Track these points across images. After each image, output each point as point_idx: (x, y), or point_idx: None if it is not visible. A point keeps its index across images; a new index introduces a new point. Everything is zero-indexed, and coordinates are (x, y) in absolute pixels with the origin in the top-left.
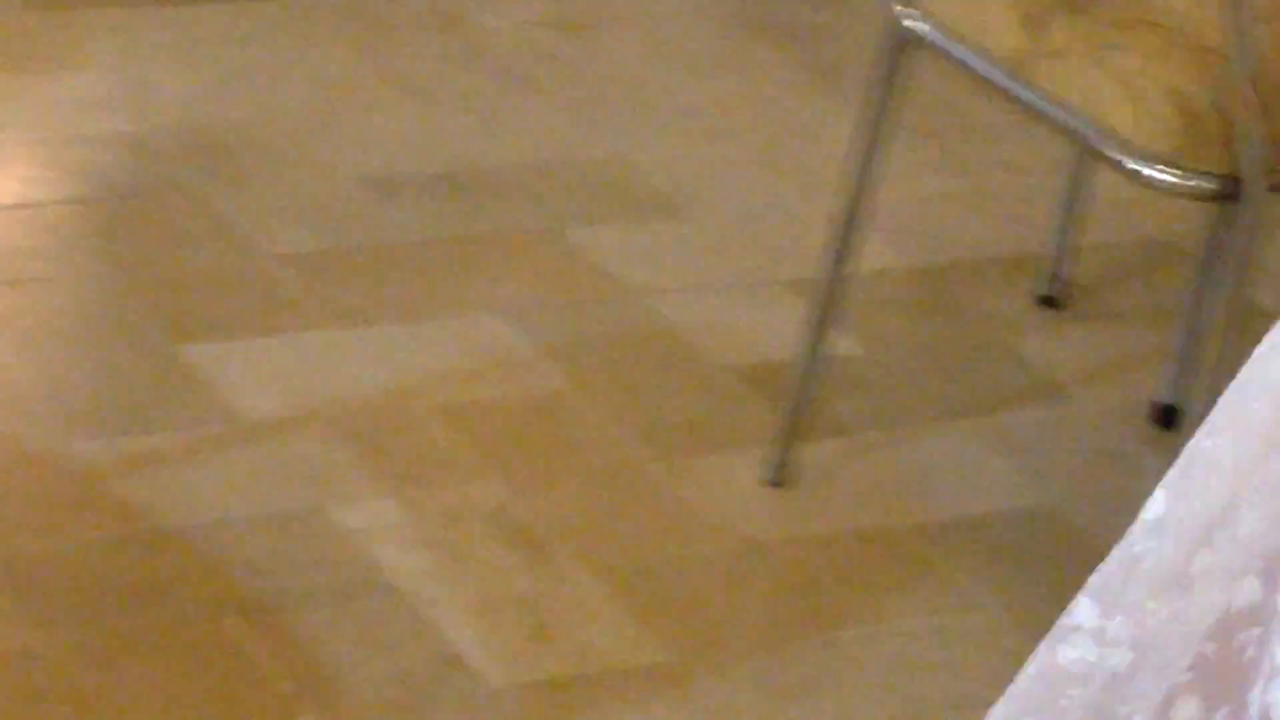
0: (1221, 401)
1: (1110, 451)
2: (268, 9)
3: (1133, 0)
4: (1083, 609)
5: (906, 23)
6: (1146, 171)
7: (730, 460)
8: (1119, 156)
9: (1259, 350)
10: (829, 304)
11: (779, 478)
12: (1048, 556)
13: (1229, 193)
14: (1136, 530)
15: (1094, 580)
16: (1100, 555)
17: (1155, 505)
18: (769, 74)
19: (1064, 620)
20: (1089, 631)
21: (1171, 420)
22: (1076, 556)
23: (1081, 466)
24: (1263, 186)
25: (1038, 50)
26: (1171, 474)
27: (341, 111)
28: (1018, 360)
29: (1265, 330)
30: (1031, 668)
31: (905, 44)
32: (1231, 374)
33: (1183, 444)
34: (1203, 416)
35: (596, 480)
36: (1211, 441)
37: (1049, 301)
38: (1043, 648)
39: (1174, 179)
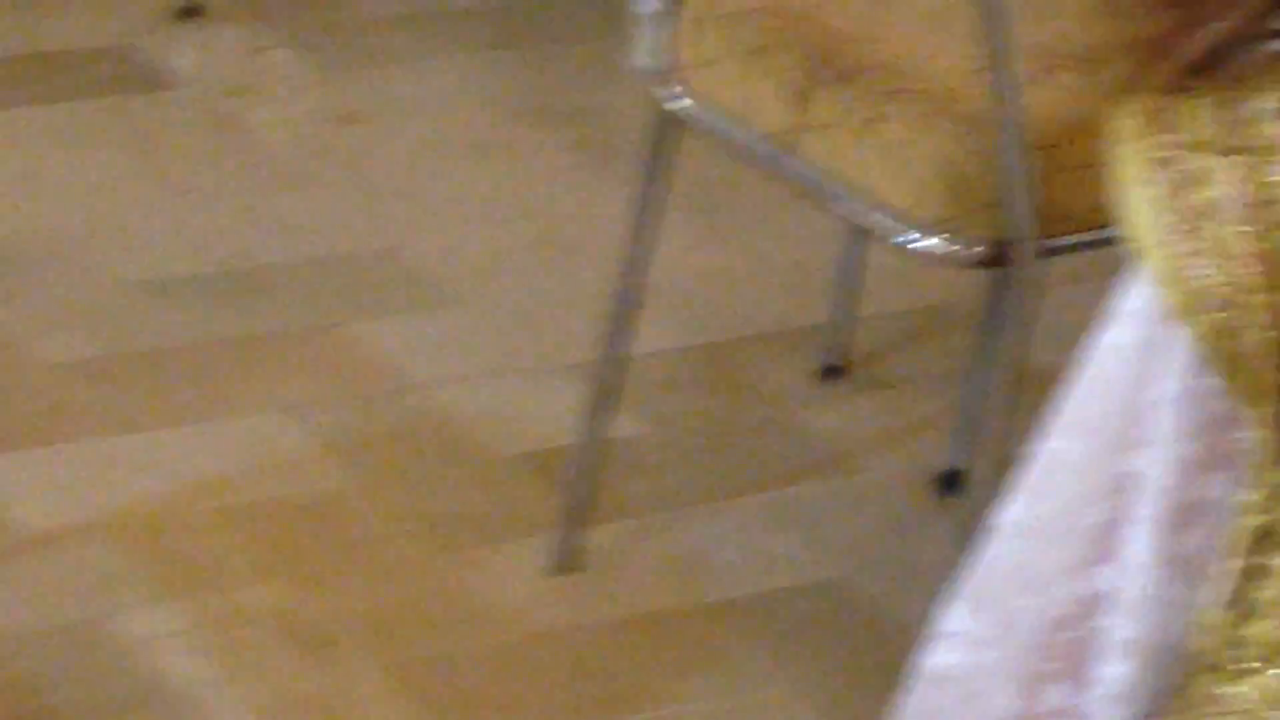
0: (1066, 403)
1: (896, 520)
2: (35, 114)
3: (897, 70)
4: (954, 614)
5: (669, 105)
6: (916, 242)
7: (516, 549)
8: (888, 228)
9: (1094, 352)
10: (608, 386)
11: (566, 564)
12: (838, 630)
13: (1000, 258)
14: (996, 534)
15: (963, 586)
16: (891, 625)
17: (1014, 508)
18: (545, 158)
19: (938, 628)
20: (960, 635)
21: (955, 485)
22: (866, 628)
23: (868, 537)
24: (1032, 251)
25: (804, 124)
26: (1026, 477)
27: (114, 215)
28: (801, 434)
29: (1048, 390)
30: (912, 683)
31: (671, 124)
32: (1014, 437)
33: (966, 509)
34: (988, 482)
35: (383, 576)
36: (1058, 443)
37: (831, 373)
38: (921, 660)
39: (944, 248)
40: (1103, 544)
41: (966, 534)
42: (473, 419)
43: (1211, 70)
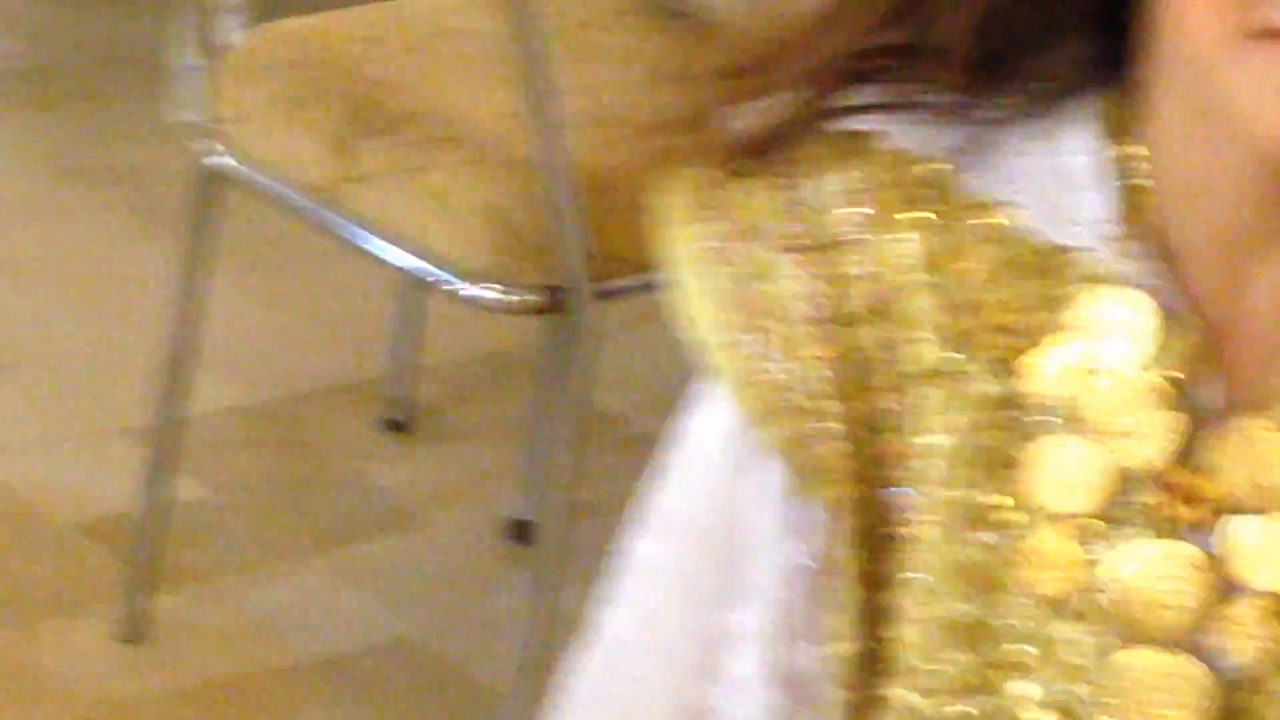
0: (657, 501)
1: (467, 573)
2: None
3: (441, 118)
4: None
5: (208, 160)
6: (466, 290)
7: (81, 620)
8: (437, 277)
9: (679, 446)
10: (167, 449)
11: (132, 633)
12: (412, 687)
13: (556, 304)
14: (595, 646)
15: (565, 703)
16: (466, 681)
17: (613, 618)
18: (92, 218)
19: None
20: None
21: (525, 535)
22: (440, 683)
23: (439, 592)
24: (586, 295)
25: (348, 175)
26: (622, 584)
27: None
28: (367, 489)
29: (615, 434)
30: None
31: (214, 180)
32: (581, 484)
33: (537, 557)
34: (557, 531)
35: None
36: (653, 547)
37: (395, 426)
38: None
39: (495, 295)
40: (710, 658)
41: (539, 584)
42: (31, 487)
43: (768, 149)
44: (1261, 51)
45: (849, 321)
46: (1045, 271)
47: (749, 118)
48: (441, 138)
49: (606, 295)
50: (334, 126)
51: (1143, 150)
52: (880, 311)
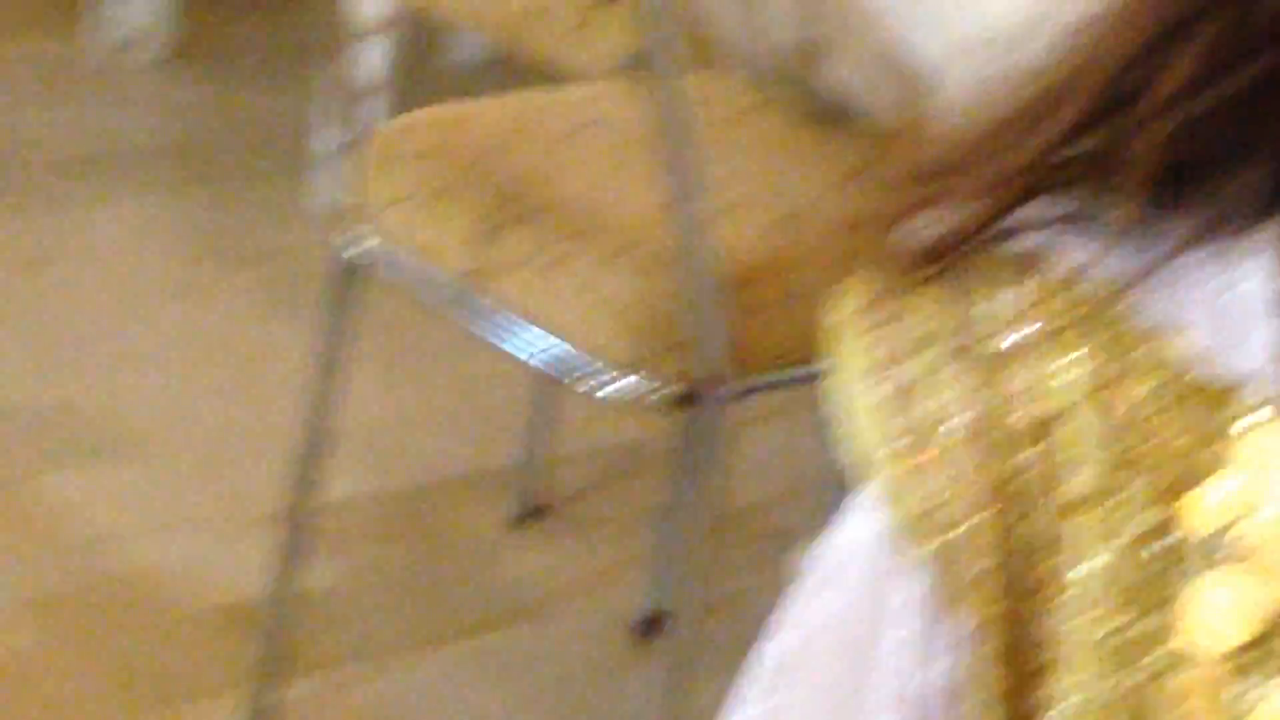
0: (798, 600)
1: (598, 666)
2: None
3: (583, 209)
4: None
5: (351, 248)
6: (605, 385)
7: (209, 707)
8: (579, 368)
9: (827, 548)
10: (298, 536)
11: None
12: None
13: (694, 398)
14: None
15: None
16: None
17: (748, 711)
18: (230, 301)
19: None
20: None
21: (656, 629)
22: None
23: (570, 685)
24: (726, 392)
25: (491, 264)
26: (758, 680)
27: None
28: (497, 581)
29: (750, 527)
30: None
31: (354, 265)
32: (715, 577)
33: (669, 652)
34: (690, 624)
35: None
36: (791, 642)
37: (527, 516)
38: None
39: (635, 390)
40: None
41: (671, 679)
42: (162, 572)
43: (942, 260)
44: None
45: (1011, 440)
46: (1214, 402)
47: (927, 226)
48: (585, 228)
49: (746, 391)
50: (478, 215)
51: None
52: (1043, 433)
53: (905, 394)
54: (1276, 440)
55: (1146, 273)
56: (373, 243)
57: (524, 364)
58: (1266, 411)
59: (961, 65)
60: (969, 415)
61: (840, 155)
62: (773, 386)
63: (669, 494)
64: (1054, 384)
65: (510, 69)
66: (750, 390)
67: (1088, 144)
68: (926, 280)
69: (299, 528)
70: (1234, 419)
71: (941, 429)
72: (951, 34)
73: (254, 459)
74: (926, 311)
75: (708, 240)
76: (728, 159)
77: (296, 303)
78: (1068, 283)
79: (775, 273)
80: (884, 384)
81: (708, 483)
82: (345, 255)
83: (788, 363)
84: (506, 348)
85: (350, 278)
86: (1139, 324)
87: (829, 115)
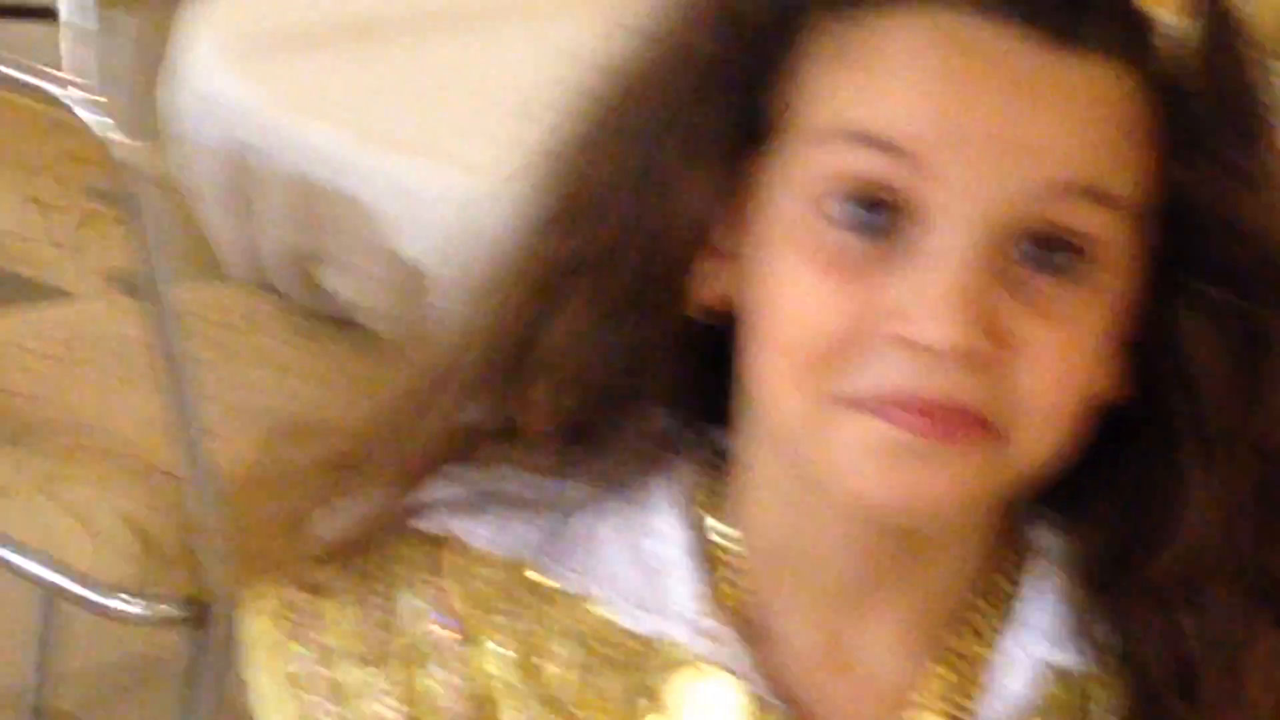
0: None
1: None
2: None
3: (78, 427)
4: None
5: None
6: (106, 604)
7: None
8: (76, 591)
9: None
10: None
11: None
12: None
13: (197, 616)
14: None
15: None
16: None
17: None
18: None
19: None
20: None
21: None
22: None
23: None
24: (230, 606)
25: None
26: None
27: None
28: None
29: None
30: None
31: None
32: None
33: None
34: None
35: None
36: None
37: None
38: None
39: (136, 610)
40: None
41: None
42: None
43: (355, 552)
44: (842, 419)
45: None
46: (634, 664)
47: (337, 518)
48: (80, 448)
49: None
50: None
51: (732, 531)
52: (483, 711)
53: (335, 697)
54: (698, 693)
55: (556, 542)
56: None
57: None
58: (690, 656)
59: (450, 267)
60: (405, 710)
61: (343, 363)
62: (264, 612)
63: (180, 710)
64: (476, 672)
65: None
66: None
67: (484, 411)
68: (342, 577)
69: None
70: (656, 677)
71: None
72: (438, 237)
73: None
74: (342, 616)
75: (206, 454)
76: (228, 368)
77: None
78: (478, 566)
79: (275, 485)
80: (309, 693)
81: (220, 696)
82: None
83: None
84: (7, 572)
85: None
86: (555, 596)
87: (331, 323)
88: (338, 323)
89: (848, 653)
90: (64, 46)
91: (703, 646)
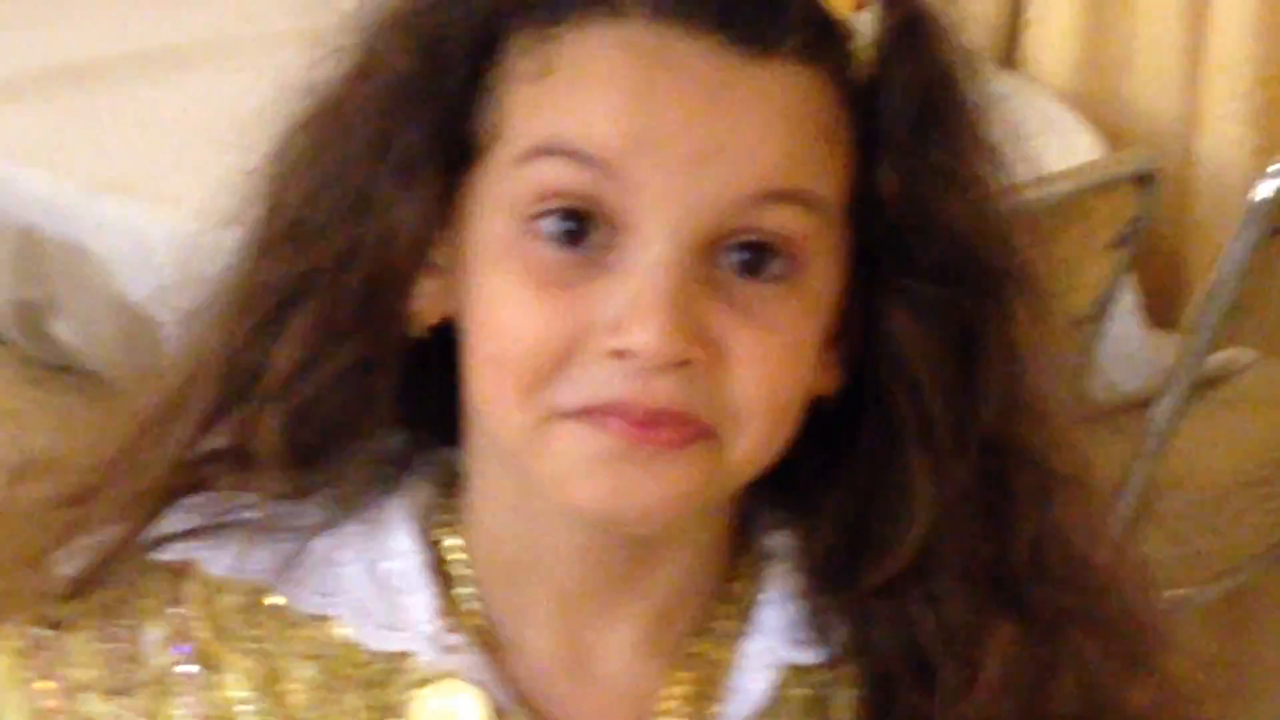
0: None
1: None
2: None
3: None
4: None
5: None
6: None
7: None
8: None
9: None
10: None
11: None
12: None
13: None
14: None
15: None
16: None
17: None
18: None
19: None
20: None
21: None
22: None
23: None
24: None
25: None
26: None
27: None
28: None
29: None
30: None
31: None
32: None
33: None
34: None
35: None
36: None
37: None
38: None
39: None
40: None
41: None
42: None
43: (93, 588)
44: (556, 431)
45: None
46: (377, 682)
47: (75, 554)
48: None
49: None
50: None
51: (460, 542)
52: None
53: None
54: (439, 706)
55: (290, 565)
56: None
57: None
58: (432, 672)
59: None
60: None
61: (73, 409)
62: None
63: None
64: (216, 700)
65: None
66: None
67: (217, 440)
68: (85, 612)
69: None
70: (397, 693)
71: None
72: (163, 278)
73: None
74: (87, 650)
75: None
76: None
77: None
78: (214, 594)
79: (11, 525)
80: None
81: None
82: None
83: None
84: None
85: None
86: (290, 619)
87: (60, 370)
88: (66, 370)
89: (589, 661)
90: None
91: (444, 661)
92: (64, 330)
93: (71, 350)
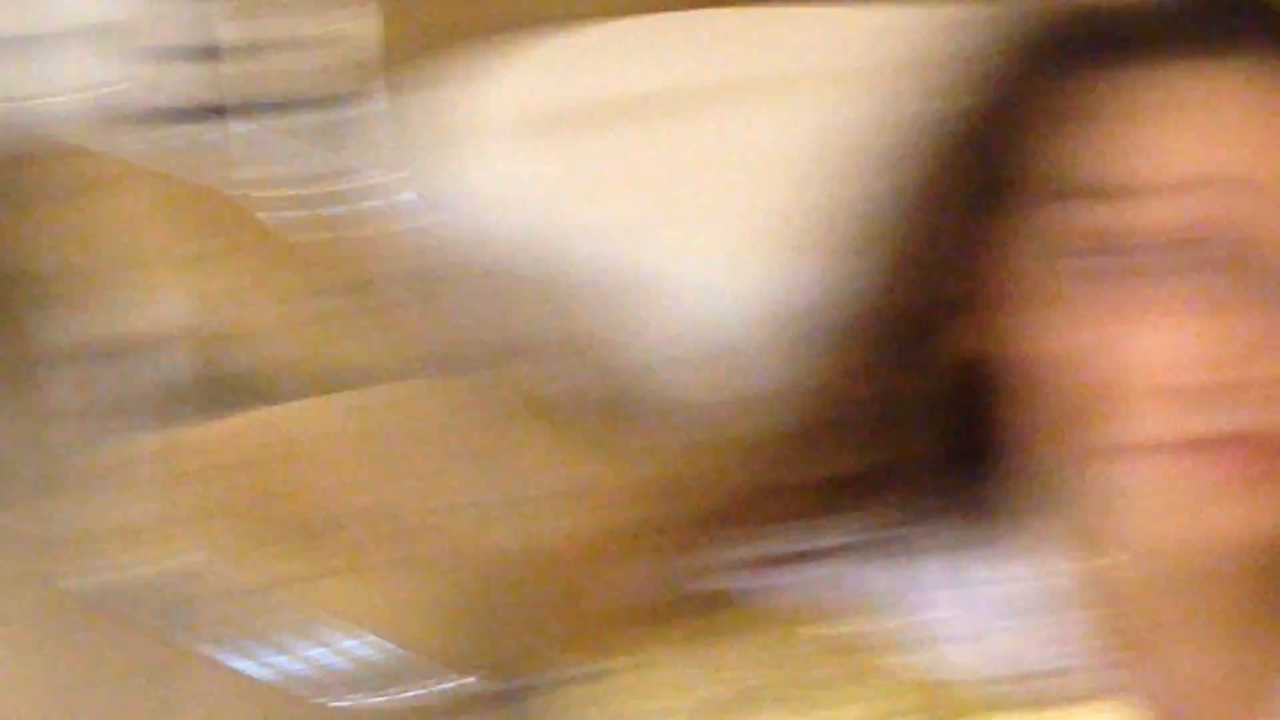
0: None
1: None
2: None
3: (373, 514)
4: None
5: (88, 581)
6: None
7: None
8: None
9: None
10: None
11: None
12: None
13: (514, 691)
14: None
15: None
16: None
17: None
18: None
19: None
20: None
21: None
22: None
23: None
24: (538, 684)
25: (282, 578)
26: None
27: None
28: None
29: None
30: None
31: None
32: None
33: None
34: None
35: None
36: None
37: None
38: None
39: (448, 689)
40: None
41: None
42: None
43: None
44: (1142, 463)
45: None
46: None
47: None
48: (380, 533)
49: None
50: (258, 531)
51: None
52: None
53: None
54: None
55: (911, 586)
56: (119, 572)
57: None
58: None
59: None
60: None
61: (627, 450)
62: (591, 678)
63: None
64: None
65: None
66: (567, 681)
67: (864, 458)
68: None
69: None
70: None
71: None
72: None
73: None
74: (676, 671)
75: (508, 535)
76: (514, 454)
77: (40, 633)
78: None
79: (575, 564)
80: None
81: None
82: (84, 584)
83: (599, 653)
84: (284, 664)
85: (92, 605)
86: (900, 657)
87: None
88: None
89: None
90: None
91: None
92: (627, 361)
93: (632, 384)
